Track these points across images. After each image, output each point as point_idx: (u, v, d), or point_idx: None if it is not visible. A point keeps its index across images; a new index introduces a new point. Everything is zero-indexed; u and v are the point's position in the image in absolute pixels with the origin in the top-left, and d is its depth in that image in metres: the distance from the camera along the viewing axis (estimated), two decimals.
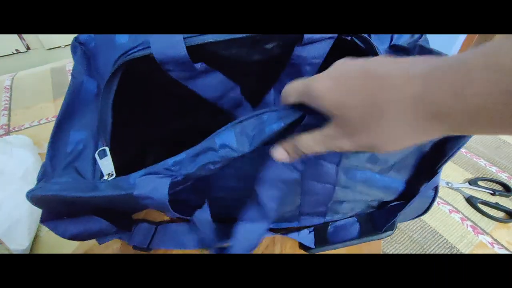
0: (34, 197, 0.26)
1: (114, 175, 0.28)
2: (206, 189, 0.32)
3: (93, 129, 0.30)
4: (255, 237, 0.32)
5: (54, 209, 0.29)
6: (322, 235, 0.38)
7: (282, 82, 0.35)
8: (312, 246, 0.37)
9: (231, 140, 0.24)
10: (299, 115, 0.23)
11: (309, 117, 0.23)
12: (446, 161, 0.30)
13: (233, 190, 0.32)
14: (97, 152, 0.29)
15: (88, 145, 0.30)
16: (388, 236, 0.37)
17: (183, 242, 0.38)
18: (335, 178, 0.30)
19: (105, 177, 0.28)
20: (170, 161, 0.26)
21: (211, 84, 0.30)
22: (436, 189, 0.35)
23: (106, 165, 0.28)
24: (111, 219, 0.31)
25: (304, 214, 0.37)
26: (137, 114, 0.39)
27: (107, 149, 0.29)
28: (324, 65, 0.32)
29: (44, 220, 0.29)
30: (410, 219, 0.41)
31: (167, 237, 0.38)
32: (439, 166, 0.31)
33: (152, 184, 0.25)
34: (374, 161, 0.30)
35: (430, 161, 0.31)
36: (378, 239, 0.38)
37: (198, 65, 0.29)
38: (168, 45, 0.27)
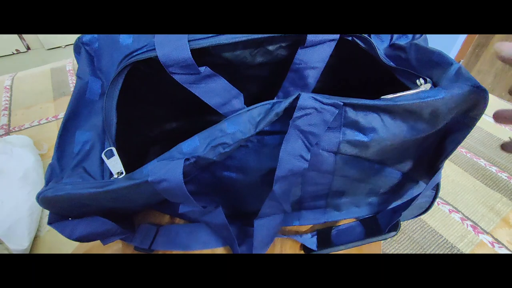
0: (44, 198, 0.26)
1: (124, 173, 0.28)
2: (211, 181, 0.33)
3: (98, 129, 0.31)
4: (272, 232, 0.33)
5: (62, 210, 0.29)
6: (325, 237, 0.38)
7: (285, 89, 0.35)
8: (315, 248, 0.37)
9: (240, 124, 0.26)
10: (294, 97, 0.25)
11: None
12: (447, 156, 0.30)
13: (236, 183, 0.32)
14: (104, 153, 0.29)
15: (94, 145, 0.30)
16: (392, 236, 0.37)
17: (185, 243, 0.38)
18: (333, 166, 0.31)
19: (115, 176, 0.28)
20: (183, 144, 0.27)
21: (214, 90, 0.31)
22: (437, 188, 0.35)
23: (115, 164, 0.29)
24: (116, 220, 0.31)
25: (305, 209, 0.37)
26: (139, 114, 0.40)
27: (113, 149, 0.29)
28: (327, 68, 0.32)
29: (51, 221, 0.29)
30: (410, 219, 0.41)
31: (169, 239, 0.38)
32: (441, 161, 0.31)
33: (166, 167, 0.26)
34: (371, 150, 0.30)
35: (430, 155, 0.31)
36: (382, 240, 0.38)
37: (202, 69, 0.29)
38: (173, 48, 0.27)
